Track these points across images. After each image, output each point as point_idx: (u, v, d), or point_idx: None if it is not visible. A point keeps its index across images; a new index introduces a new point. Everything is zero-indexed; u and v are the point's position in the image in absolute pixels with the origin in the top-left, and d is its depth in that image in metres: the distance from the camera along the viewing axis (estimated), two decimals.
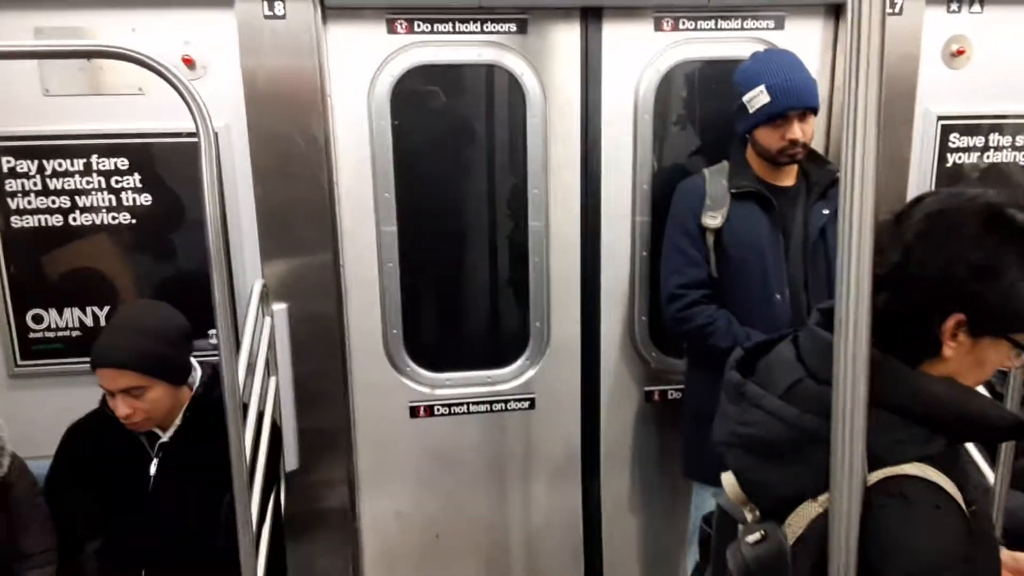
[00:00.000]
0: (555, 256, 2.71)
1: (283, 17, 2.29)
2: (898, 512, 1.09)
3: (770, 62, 2.33)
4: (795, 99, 2.26)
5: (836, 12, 2.65)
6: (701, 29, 2.59)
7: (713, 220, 2.38)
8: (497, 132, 2.65)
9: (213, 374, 2.28)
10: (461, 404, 2.77)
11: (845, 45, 2.56)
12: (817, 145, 2.66)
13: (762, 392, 1.23)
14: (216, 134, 1.54)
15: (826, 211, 2.40)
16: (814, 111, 2.30)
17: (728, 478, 1.27)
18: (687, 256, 2.41)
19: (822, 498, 1.14)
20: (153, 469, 2.16)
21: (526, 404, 2.81)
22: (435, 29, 2.48)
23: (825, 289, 2.39)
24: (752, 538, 1.21)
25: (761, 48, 2.54)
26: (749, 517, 1.26)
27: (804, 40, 2.64)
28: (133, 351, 2.02)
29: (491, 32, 2.51)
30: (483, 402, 2.78)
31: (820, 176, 2.44)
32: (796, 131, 2.27)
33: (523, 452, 2.86)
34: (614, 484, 2.93)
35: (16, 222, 2.37)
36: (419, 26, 2.47)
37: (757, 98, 2.30)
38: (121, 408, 2.04)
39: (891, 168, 2.70)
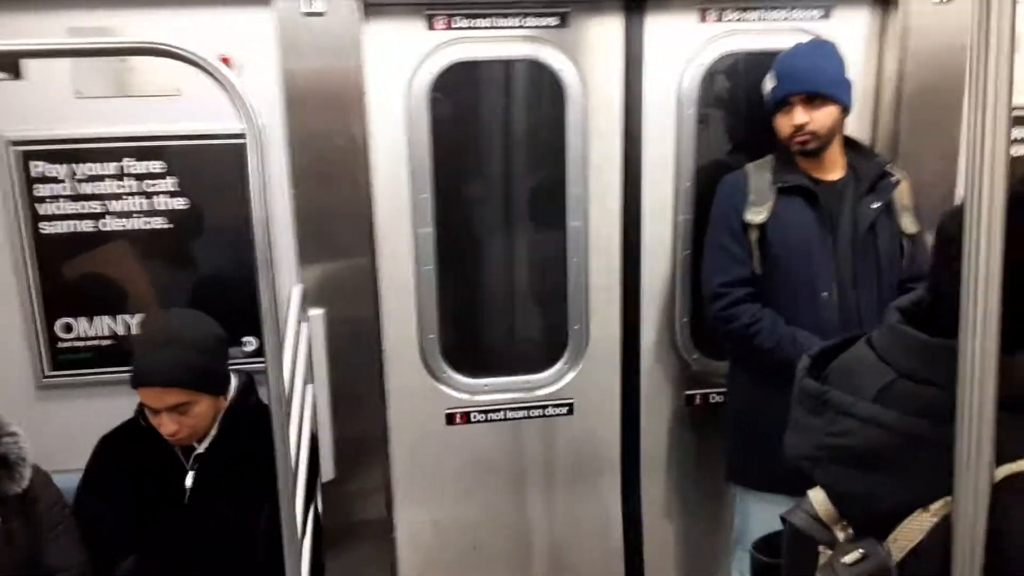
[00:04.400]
0: (594, 256, 2.64)
1: (322, 14, 2.23)
2: None
3: (790, 50, 2.30)
4: (795, 83, 2.22)
5: (885, 1, 2.57)
6: (746, 20, 2.52)
7: (757, 216, 2.31)
8: (536, 129, 2.58)
9: (248, 382, 2.23)
10: (498, 410, 2.70)
11: (894, 35, 2.52)
12: (864, 138, 2.59)
13: (851, 398, 1.14)
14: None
15: (876, 205, 2.32)
16: (823, 97, 2.23)
17: (817, 495, 1.18)
18: (730, 253, 2.34)
19: (935, 506, 1.06)
20: (189, 481, 2.10)
21: (564, 409, 2.74)
22: (474, 25, 2.41)
23: (875, 286, 2.31)
24: (850, 558, 1.12)
25: (805, 39, 2.46)
26: (841, 536, 1.17)
27: (851, 30, 2.57)
28: (179, 367, 1.96)
29: (531, 27, 2.44)
30: (521, 408, 2.71)
31: (868, 169, 2.36)
32: (798, 116, 2.22)
33: (562, 458, 2.79)
34: (654, 490, 2.86)
35: (46, 228, 2.30)
36: (458, 22, 2.40)
37: (767, 85, 2.29)
38: (168, 426, 1.98)
39: (941, 160, 2.62)
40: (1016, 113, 2.57)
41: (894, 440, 1.09)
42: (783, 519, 1.26)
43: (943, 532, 1.04)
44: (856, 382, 1.15)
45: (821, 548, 1.19)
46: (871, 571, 1.10)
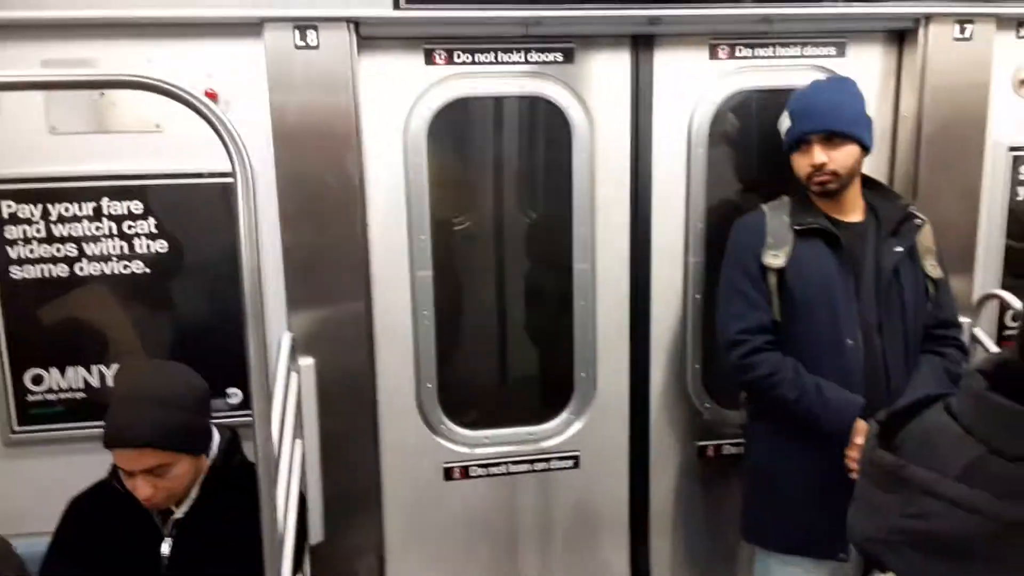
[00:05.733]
0: (602, 300, 2.52)
1: (316, 47, 2.12)
2: None
3: (807, 87, 2.22)
4: (812, 121, 2.14)
5: (900, 39, 2.51)
6: (759, 56, 2.44)
7: (776, 259, 2.20)
8: (541, 168, 2.48)
9: (232, 438, 2.08)
10: (500, 464, 2.55)
11: (912, 71, 2.44)
12: (881, 177, 2.51)
13: (935, 476, 1.00)
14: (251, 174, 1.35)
15: (899, 248, 2.21)
16: (843, 135, 2.14)
17: None
18: (748, 299, 2.22)
19: None
20: (166, 549, 1.93)
21: (570, 462, 2.59)
22: (476, 60, 2.32)
23: (901, 333, 2.21)
24: None
25: (822, 77, 2.38)
26: None
27: (866, 67, 2.50)
28: (155, 427, 1.80)
29: (536, 62, 2.35)
30: (524, 461, 2.57)
31: (890, 211, 2.26)
32: (817, 155, 2.13)
33: (567, 514, 2.64)
34: (664, 547, 2.71)
35: (16, 272, 2.16)
36: (459, 56, 2.31)
37: (784, 123, 2.22)
38: (143, 490, 1.83)
39: (961, 200, 2.54)
40: None
41: (985, 526, 0.95)
42: None
43: None
44: (938, 456, 1.02)
45: None
46: None
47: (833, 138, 2.15)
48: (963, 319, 2.40)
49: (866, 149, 2.20)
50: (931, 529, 1.00)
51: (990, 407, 1.01)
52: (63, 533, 2.00)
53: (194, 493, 1.95)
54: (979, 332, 2.52)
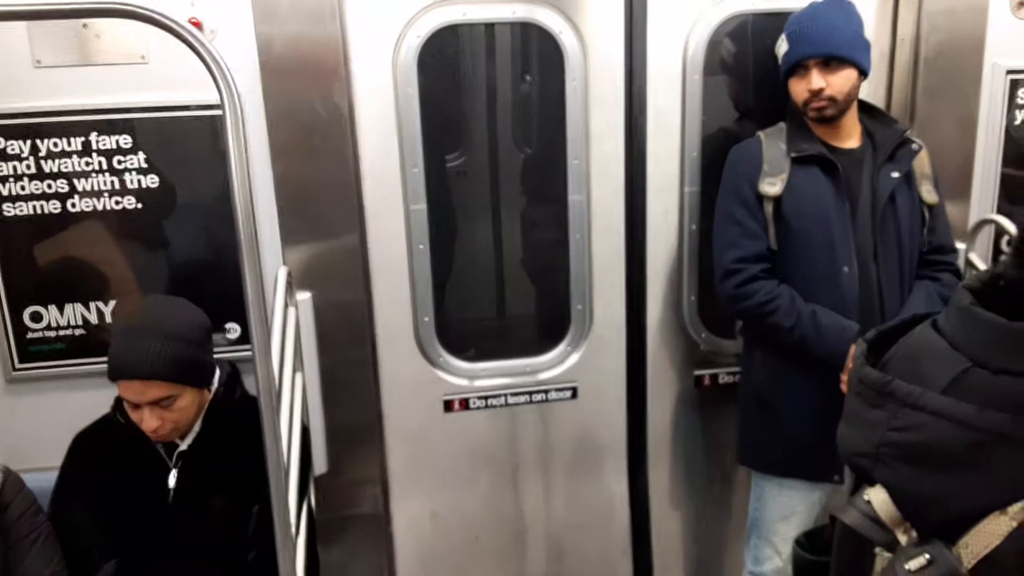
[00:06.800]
0: (597, 232, 2.50)
1: None
2: None
3: (804, 10, 2.17)
4: (810, 45, 2.10)
5: None
6: None
7: (772, 187, 2.18)
8: (533, 98, 2.43)
9: (232, 372, 2.11)
10: (499, 396, 2.57)
11: None
12: (878, 102, 2.48)
13: (919, 389, 1.02)
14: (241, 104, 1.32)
15: (895, 174, 2.20)
16: (841, 60, 2.10)
17: (878, 494, 1.06)
18: (744, 227, 2.21)
19: (1014, 508, 0.94)
20: (172, 481, 1.98)
21: (568, 393, 2.61)
22: None
23: (896, 259, 2.21)
24: (915, 564, 1.01)
25: None
26: (903, 540, 1.05)
27: None
28: (162, 358, 1.82)
29: None
30: (522, 393, 2.58)
31: (886, 137, 2.24)
32: (815, 80, 2.10)
33: (566, 444, 2.68)
34: (663, 475, 2.75)
35: (9, 210, 2.14)
36: None
37: (781, 47, 2.18)
38: (149, 421, 1.85)
39: (958, 125, 2.52)
40: None
41: (969, 436, 0.97)
42: (832, 517, 1.14)
43: (1022, 537, 0.93)
44: (923, 371, 1.03)
45: (878, 550, 1.07)
46: None
47: (831, 62, 2.11)
48: (958, 244, 2.39)
49: (864, 73, 2.17)
50: (917, 441, 1.02)
51: (976, 321, 1.02)
52: (70, 468, 2.03)
53: (197, 426, 1.99)
54: (974, 257, 2.53)
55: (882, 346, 1.16)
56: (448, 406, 2.55)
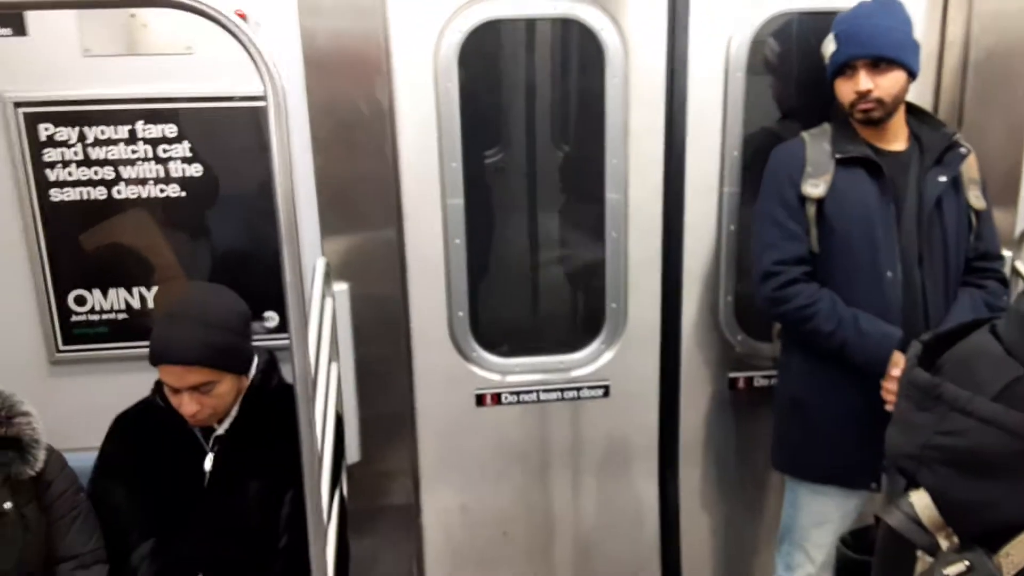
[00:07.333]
0: (634, 232, 2.49)
1: None
2: None
3: (853, 9, 2.13)
4: (859, 46, 2.05)
5: None
6: None
7: (815, 189, 2.15)
8: (573, 94, 2.43)
9: (270, 360, 2.13)
10: (531, 392, 2.57)
11: None
12: (925, 105, 2.42)
13: (969, 394, 1.00)
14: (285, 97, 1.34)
15: (942, 178, 2.15)
16: (890, 61, 2.06)
17: (922, 499, 1.04)
18: (785, 229, 2.18)
19: None
20: (208, 464, 2.01)
21: (600, 391, 2.61)
22: None
23: (942, 265, 2.16)
24: (954, 570, 0.99)
25: None
26: (944, 544, 1.04)
27: None
28: (203, 345, 1.86)
29: None
30: (554, 389, 2.58)
31: (934, 140, 2.19)
32: (863, 82, 2.05)
33: (597, 443, 2.67)
34: (693, 477, 2.73)
35: (56, 195, 2.19)
36: None
37: (828, 47, 2.13)
38: (189, 406, 1.89)
39: (1007, 130, 2.47)
40: None
41: (1016, 445, 0.95)
42: (877, 518, 1.13)
43: None
44: (976, 376, 1.01)
45: (920, 554, 1.06)
46: None
47: (879, 64, 2.07)
48: (1005, 252, 2.34)
49: (913, 75, 2.12)
50: (963, 446, 1.00)
51: None
52: (110, 448, 2.08)
53: (234, 412, 2.02)
54: (1021, 265, 2.46)
55: (938, 349, 1.14)
56: (480, 400, 2.56)
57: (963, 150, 2.18)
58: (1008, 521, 0.97)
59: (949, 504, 1.02)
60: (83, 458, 2.07)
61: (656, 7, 2.33)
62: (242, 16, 2.07)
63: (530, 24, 2.37)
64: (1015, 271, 2.45)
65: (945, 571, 1.00)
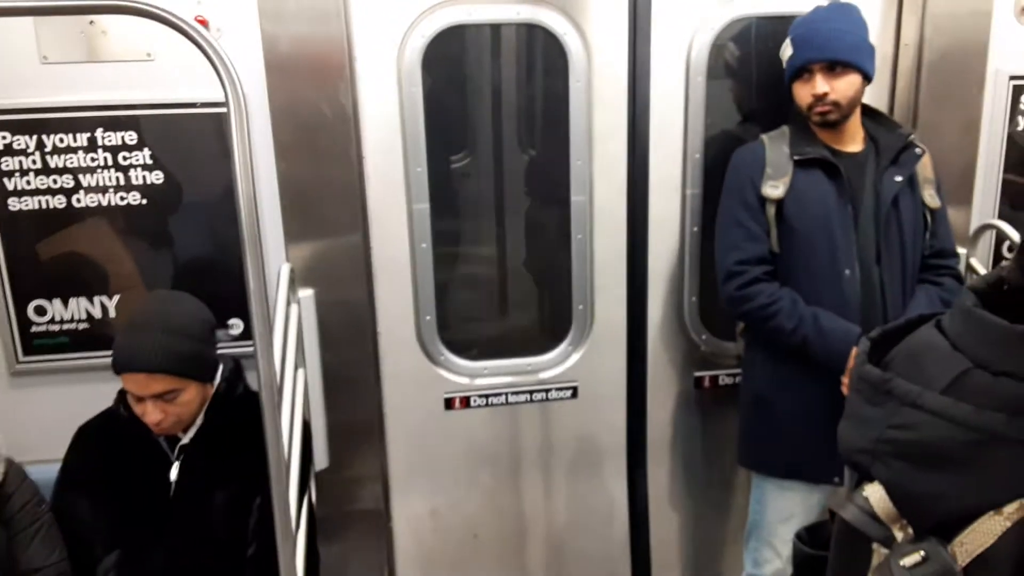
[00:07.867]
0: (599, 233, 2.51)
1: None
2: None
3: (809, 14, 2.18)
4: (815, 50, 2.10)
5: None
6: None
7: (774, 190, 2.19)
8: (537, 98, 2.44)
9: (235, 367, 2.12)
10: (499, 394, 2.58)
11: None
12: (881, 106, 2.48)
13: (918, 388, 1.03)
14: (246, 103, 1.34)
15: (899, 178, 2.21)
16: (845, 65, 2.11)
17: (876, 492, 1.06)
18: (746, 230, 2.22)
19: (1010, 508, 0.95)
20: (174, 474, 1.99)
21: (568, 393, 2.63)
22: None
23: (899, 263, 2.21)
24: (909, 561, 1.01)
25: (824, 2, 2.33)
26: (900, 536, 1.06)
27: None
28: (166, 352, 1.84)
29: None
30: (523, 392, 2.60)
31: (890, 141, 2.24)
32: (819, 85, 2.10)
33: (566, 444, 2.69)
34: (661, 476, 2.75)
35: (14, 204, 2.16)
36: None
37: (785, 51, 2.18)
38: (152, 414, 1.86)
39: (961, 130, 2.53)
40: None
41: (966, 436, 0.97)
42: (831, 512, 1.15)
43: (1017, 537, 0.94)
44: (925, 371, 1.04)
45: (875, 546, 1.08)
46: (933, 575, 0.99)
47: (835, 67, 2.11)
48: (960, 249, 2.40)
49: (868, 78, 2.17)
50: (914, 439, 1.03)
51: (979, 323, 1.03)
52: (73, 460, 2.05)
53: (199, 420, 2.00)
54: (975, 262, 2.53)
55: (885, 345, 1.17)
56: (449, 404, 2.56)
57: (918, 150, 2.23)
58: (960, 510, 0.99)
59: (904, 496, 1.04)
60: (45, 470, 2.04)
61: (618, 12, 2.35)
62: (203, 22, 2.07)
63: (494, 29, 2.38)
64: (969, 268, 2.52)
65: (901, 562, 1.02)
